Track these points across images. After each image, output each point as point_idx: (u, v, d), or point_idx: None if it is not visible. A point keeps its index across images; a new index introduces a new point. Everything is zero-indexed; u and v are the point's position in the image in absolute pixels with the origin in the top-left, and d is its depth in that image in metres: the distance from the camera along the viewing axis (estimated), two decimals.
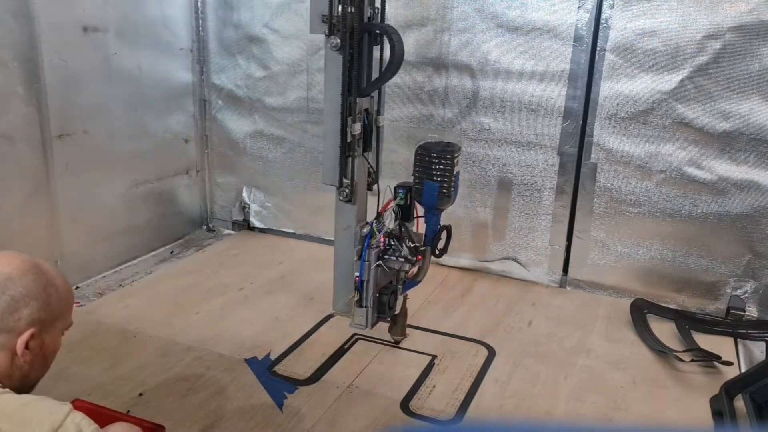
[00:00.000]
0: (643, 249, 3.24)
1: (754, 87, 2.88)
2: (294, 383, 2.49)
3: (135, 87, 3.45)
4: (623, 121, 3.12)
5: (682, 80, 2.97)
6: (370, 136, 2.50)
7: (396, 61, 2.32)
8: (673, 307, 3.18)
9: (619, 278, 3.32)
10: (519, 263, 3.49)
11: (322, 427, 2.24)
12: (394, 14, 3.40)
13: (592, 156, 3.21)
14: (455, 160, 2.50)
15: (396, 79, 3.48)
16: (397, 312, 2.67)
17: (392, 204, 2.56)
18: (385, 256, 2.52)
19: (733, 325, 3.04)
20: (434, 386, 2.51)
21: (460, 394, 2.47)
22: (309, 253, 3.79)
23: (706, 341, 2.85)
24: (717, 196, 3.06)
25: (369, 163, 2.54)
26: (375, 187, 2.58)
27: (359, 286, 2.53)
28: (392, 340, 2.75)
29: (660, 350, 2.78)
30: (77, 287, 3.21)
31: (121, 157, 3.43)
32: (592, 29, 3.07)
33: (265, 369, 2.57)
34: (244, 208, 4.10)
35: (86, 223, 3.28)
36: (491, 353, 2.75)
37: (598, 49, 3.08)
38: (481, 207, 3.50)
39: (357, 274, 2.52)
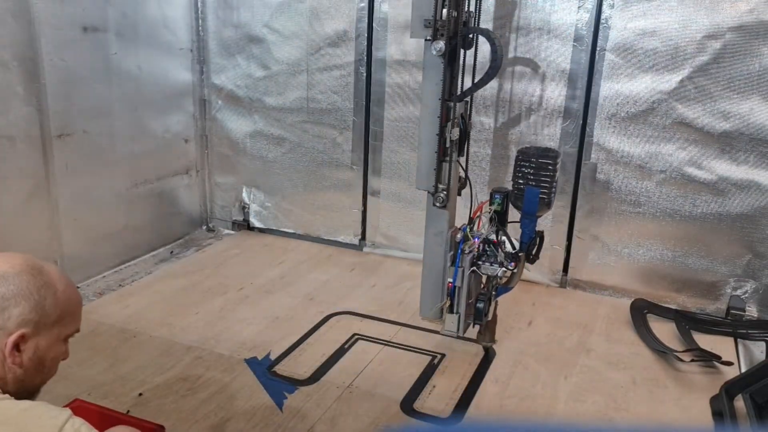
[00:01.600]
0: (643, 249, 3.24)
1: (754, 87, 2.88)
2: (294, 383, 2.49)
3: (135, 87, 3.45)
4: (623, 121, 3.12)
5: (682, 80, 2.97)
6: (464, 141, 2.49)
7: (497, 65, 2.31)
8: (673, 307, 3.18)
9: (619, 278, 3.31)
10: None
11: (322, 427, 2.24)
12: (394, 14, 3.40)
13: (592, 156, 3.21)
14: (557, 166, 2.48)
15: (397, 79, 3.49)
16: (489, 318, 2.63)
17: (484, 209, 2.52)
18: (479, 262, 2.49)
19: (733, 325, 3.04)
20: (434, 386, 2.51)
21: (460, 394, 2.47)
22: (309, 253, 3.79)
23: (706, 341, 2.85)
24: (717, 196, 3.05)
25: (463, 168, 2.53)
26: (471, 192, 2.58)
27: (452, 292, 2.49)
28: (481, 346, 2.70)
29: (660, 350, 2.78)
30: (77, 287, 3.21)
31: (121, 157, 3.43)
32: (592, 29, 3.07)
33: (265, 369, 2.57)
34: (244, 208, 4.10)
35: (86, 223, 3.28)
36: (491, 353, 2.75)
37: (598, 49, 3.08)
38: None
39: (450, 279, 2.49)
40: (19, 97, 2.86)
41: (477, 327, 2.64)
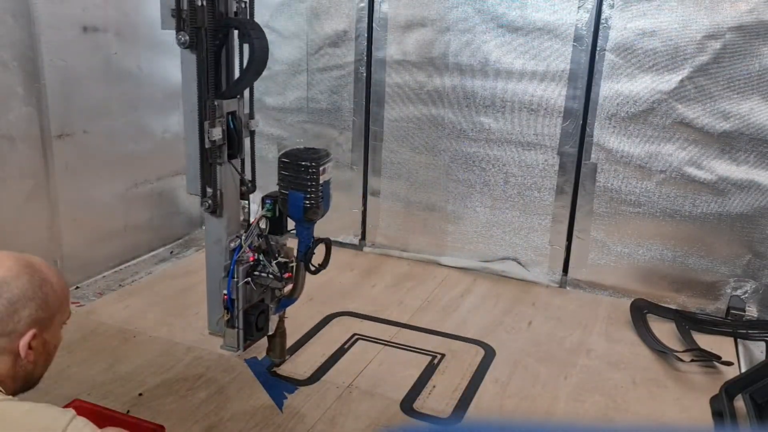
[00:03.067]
0: (643, 249, 3.24)
1: (754, 87, 2.88)
2: (294, 383, 2.49)
3: (135, 87, 3.45)
4: (623, 121, 3.12)
5: (682, 80, 2.97)
6: (238, 142, 2.28)
7: (257, 60, 2.13)
8: (673, 307, 3.18)
9: (619, 278, 3.32)
10: (519, 263, 3.49)
11: (322, 427, 2.24)
12: (394, 14, 3.41)
13: (592, 156, 3.21)
14: (322, 168, 2.27)
15: (397, 79, 3.49)
16: (271, 333, 2.47)
17: (259, 216, 2.36)
18: (255, 273, 2.31)
19: (733, 325, 3.04)
20: (434, 386, 2.51)
21: (460, 394, 2.47)
22: None
23: (706, 341, 2.85)
24: (717, 196, 3.05)
25: (238, 171, 2.33)
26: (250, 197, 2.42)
27: (229, 305, 2.30)
28: (273, 362, 2.56)
29: (660, 350, 2.78)
30: (77, 287, 3.21)
31: (121, 157, 3.42)
32: (592, 29, 3.07)
33: (265, 369, 2.57)
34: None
35: (86, 223, 3.28)
36: (491, 353, 2.75)
37: (598, 49, 3.08)
38: (481, 207, 3.50)
39: (225, 291, 2.30)
40: (19, 97, 2.86)
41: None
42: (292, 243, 2.41)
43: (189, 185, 2.28)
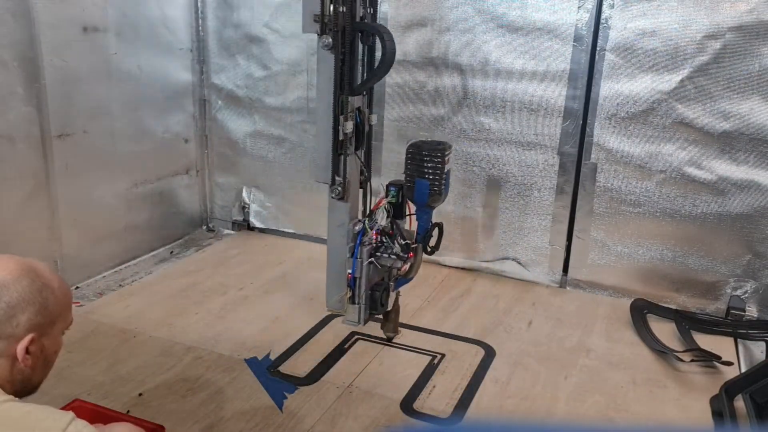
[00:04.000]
0: (643, 249, 3.24)
1: (754, 87, 2.88)
2: (294, 383, 2.49)
3: (135, 87, 3.45)
4: (623, 121, 3.12)
5: (682, 80, 2.97)
6: (362, 135, 2.52)
7: (387, 61, 2.33)
8: (673, 307, 3.18)
9: (619, 278, 3.32)
10: (519, 263, 3.49)
11: (322, 427, 2.24)
12: (394, 14, 3.40)
13: (592, 156, 3.21)
14: (446, 158, 2.52)
15: (397, 79, 3.49)
16: (389, 309, 2.68)
17: (384, 202, 2.58)
18: (377, 253, 2.54)
19: (733, 325, 3.04)
20: (434, 386, 2.51)
21: (460, 394, 2.47)
22: (309, 253, 3.79)
23: (706, 341, 2.85)
24: (717, 196, 3.06)
25: (361, 161, 2.57)
26: (368, 185, 2.63)
27: (352, 283, 2.55)
28: (384, 337, 2.77)
29: (660, 350, 2.78)
30: (77, 287, 3.21)
31: (121, 157, 3.42)
32: (592, 29, 3.07)
33: (265, 369, 2.57)
34: (244, 208, 4.10)
35: (86, 223, 3.28)
36: (491, 353, 2.75)
37: (598, 49, 3.08)
38: (481, 207, 3.50)
39: (350, 271, 2.54)
40: (19, 97, 2.86)
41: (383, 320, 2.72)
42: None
43: (319, 174, 2.51)
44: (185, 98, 3.87)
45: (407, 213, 2.63)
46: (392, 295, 2.69)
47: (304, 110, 3.75)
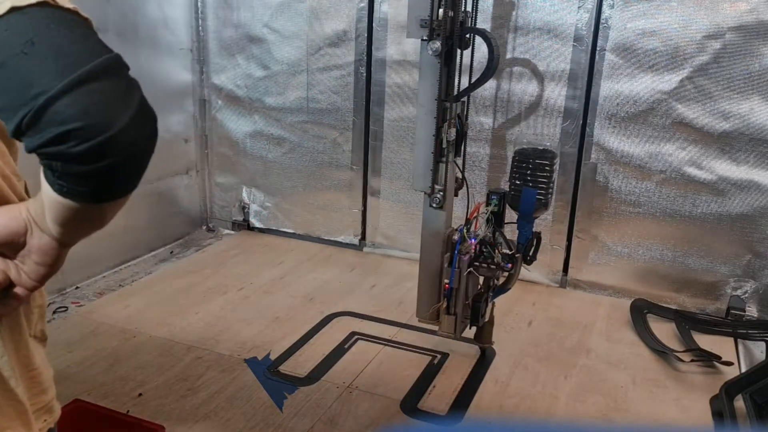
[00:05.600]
0: (643, 249, 3.24)
1: (754, 87, 2.88)
2: (294, 383, 2.49)
3: None
4: (623, 121, 3.12)
5: (682, 80, 2.97)
6: (461, 142, 2.49)
7: (494, 66, 2.31)
8: (673, 307, 3.18)
9: (619, 278, 3.32)
10: None
11: (322, 427, 2.24)
12: (394, 14, 3.40)
13: (592, 156, 3.21)
14: (554, 167, 2.48)
15: (397, 80, 3.49)
16: (486, 319, 2.62)
17: (481, 208, 2.51)
18: (476, 263, 2.46)
19: (733, 325, 3.04)
20: (434, 386, 2.51)
21: (460, 394, 2.47)
22: (309, 253, 3.79)
23: (706, 341, 2.85)
24: (717, 196, 3.05)
25: (460, 169, 2.53)
26: (467, 193, 2.59)
27: (448, 294, 2.48)
28: (478, 347, 2.71)
29: (660, 350, 2.78)
30: (77, 287, 3.21)
31: None
32: (592, 29, 3.07)
33: (265, 369, 2.57)
34: (244, 208, 4.10)
35: None
36: (491, 353, 2.75)
37: (598, 49, 3.08)
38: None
39: (447, 281, 2.48)
40: None
41: (474, 327, 2.63)
42: None
43: (418, 183, 2.48)
44: (185, 98, 3.87)
45: (506, 221, 2.56)
46: (489, 305, 2.62)
47: (304, 110, 3.75)
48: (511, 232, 2.55)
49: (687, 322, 3.02)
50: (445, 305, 2.51)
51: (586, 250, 3.35)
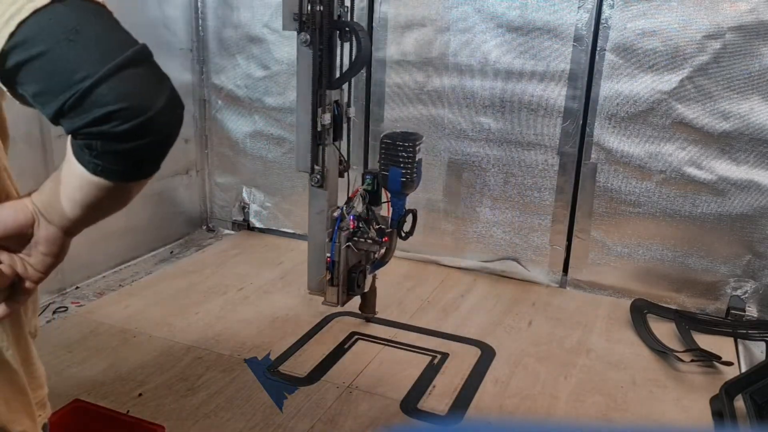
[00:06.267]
0: (643, 249, 3.24)
1: (754, 87, 2.88)
2: (294, 383, 2.49)
3: None
4: (623, 121, 3.12)
5: (682, 80, 2.97)
6: (340, 127, 2.65)
7: (362, 56, 2.47)
8: (673, 307, 3.18)
9: (619, 278, 3.31)
10: (519, 263, 3.49)
11: (322, 427, 2.24)
12: (394, 14, 3.40)
13: (592, 156, 3.21)
14: (417, 148, 2.64)
15: (396, 79, 3.49)
16: (366, 290, 2.83)
17: (360, 190, 2.72)
18: (354, 238, 2.69)
19: (733, 325, 3.04)
20: (434, 386, 2.51)
21: (460, 394, 2.47)
22: None
23: (706, 341, 2.85)
24: (717, 196, 3.05)
25: (339, 152, 2.71)
26: (346, 174, 2.76)
27: (331, 266, 2.69)
28: (363, 317, 2.93)
29: (660, 350, 2.78)
30: (77, 287, 3.21)
31: None
32: (592, 29, 3.07)
33: (265, 369, 2.57)
34: (243, 208, 4.10)
35: None
36: (491, 353, 2.75)
37: (598, 49, 3.08)
38: (481, 207, 3.50)
39: (329, 254, 2.68)
40: None
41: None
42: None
43: (299, 163, 2.67)
44: (185, 98, 3.79)
45: (383, 200, 2.77)
46: (369, 277, 2.83)
47: None
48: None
49: (687, 322, 3.02)
50: (328, 277, 2.70)
51: (586, 250, 3.35)
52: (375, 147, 3.64)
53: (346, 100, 2.70)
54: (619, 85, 3.08)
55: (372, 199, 2.74)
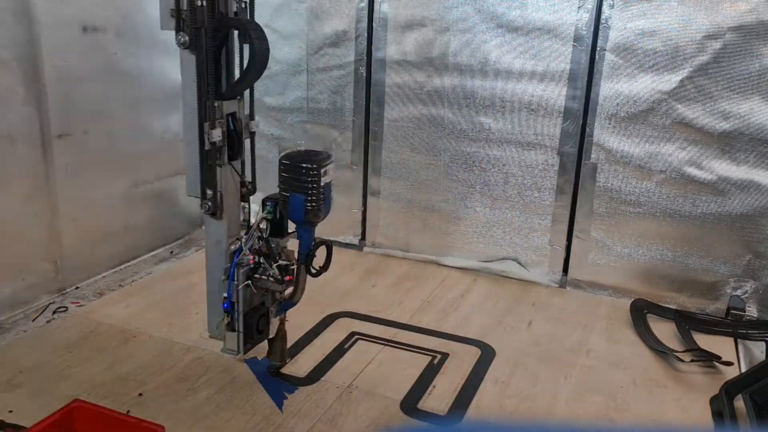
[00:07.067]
0: (643, 249, 3.24)
1: (754, 87, 2.88)
2: (294, 383, 2.49)
3: (135, 87, 3.45)
4: (623, 121, 3.12)
5: (682, 80, 2.97)
6: (238, 143, 2.27)
7: (258, 61, 2.11)
8: (673, 307, 3.18)
9: (619, 278, 3.31)
10: (519, 263, 3.49)
11: (322, 427, 2.24)
12: (394, 14, 3.40)
13: (592, 156, 3.21)
14: (323, 170, 2.24)
15: (396, 80, 3.49)
16: (272, 336, 2.46)
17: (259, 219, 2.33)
18: (255, 275, 2.30)
19: (733, 325, 3.04)
20: (434, 386, 2.51)
21: (460, 394, 2.47)
22: None
23: (706, 341, 2.85)
24: (717, 196, 3.06)
25: (238, 173, 2.31)
26: (250, 200, 2.41)
27: (228, 308, 2.31)
28: (274, 366, 2.53)
29: (660, 350, 2.78)
30: (77, 287, 3.21)
31: (121, 158, 3.42)
32: (592, 29, 3.07)
33: (265, 369, 2.57)
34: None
35: (86, 223, 3.27)
36: (491, 353, 2.75)
37: (598, 49, 3.08)
38: (481, 207, 3.50)
39: (225, 294, 2.30)
40: (19, 97, 2.85)
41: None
42: (293, 245, 2.39)
43: (188, 187, 2.25)
44: None
45: (289, 231, 2.37)
46: (275, 321, 2.44)
47: (304, 110, 3.75)
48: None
49: (687, 322, 3.02)
50: (227, 320, 2.32)
51: (586, 250, 3.35)
52: (375, 147, 3.65)
53: (247, 111, 2.32)
54: (619, 85, 3.08)
55: (274, 229, 2.32)
